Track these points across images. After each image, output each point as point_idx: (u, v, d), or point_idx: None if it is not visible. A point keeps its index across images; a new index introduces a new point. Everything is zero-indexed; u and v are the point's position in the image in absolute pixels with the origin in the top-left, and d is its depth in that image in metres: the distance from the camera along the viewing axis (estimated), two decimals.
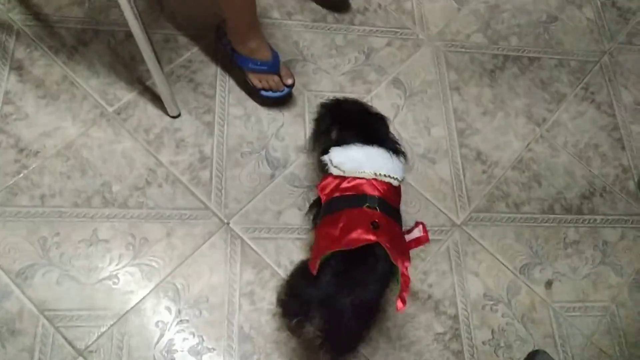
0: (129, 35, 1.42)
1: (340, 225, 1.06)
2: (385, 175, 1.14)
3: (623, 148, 1.61)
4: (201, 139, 1.44)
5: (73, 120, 1.41)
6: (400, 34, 1.68)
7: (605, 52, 1.76)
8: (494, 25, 1.75)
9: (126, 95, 1.46)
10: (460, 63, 1.67)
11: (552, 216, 1.49)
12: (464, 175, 1.51)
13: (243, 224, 1.36)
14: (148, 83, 1.48)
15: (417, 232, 1.16)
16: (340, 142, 1.19)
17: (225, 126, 1.47)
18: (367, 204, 1.09)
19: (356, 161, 1.15)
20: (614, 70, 1.73)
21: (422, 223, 1.17)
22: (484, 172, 1.52)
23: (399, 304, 1.00)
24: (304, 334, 1.23)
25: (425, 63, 1.64)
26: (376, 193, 1.11)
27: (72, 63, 1.48)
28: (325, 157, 1.17)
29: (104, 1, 1.58)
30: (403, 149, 1.22)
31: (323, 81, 1.56)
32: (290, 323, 1.21)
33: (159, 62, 1.29)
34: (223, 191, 1.39)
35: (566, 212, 1.50)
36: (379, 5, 1.72)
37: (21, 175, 1.34)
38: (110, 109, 1.44)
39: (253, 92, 1.49)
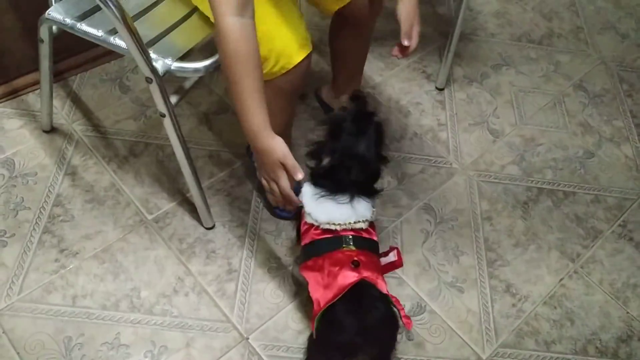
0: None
1: (326, 272, 1.16)
2: (355, 222, 1.19)
3: None
4: (231, 251, 1.49)
5: (114, 225, 1.49)
6: (435, 162, 1.73)
7: None
8: (529, 158, 1.78)
9: (166, 205, 1.54)
10: (493, 193, 1.68)
11: (586, 358, 1.42)
12: (492, 308, 1.47)
13: (262, 341, 1.36)
14: (188, 195, 1.56)
15: (392, 257, 1.26)
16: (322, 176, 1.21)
17: (256, 241, 1.51)
18: (344, 245, 1.17)
19: (327, 213, 1.19)
20: None
21: (396, 248, 1.26)
22: (513, 305, 1.48)
23: (407, 323, 1.15)
24: None
25: (458, 191, 1.67)
26: (349, 232, 1.19)
27: (121, 172, 1.59)
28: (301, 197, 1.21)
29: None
30: (377, 187, 1.24)
31: None
32: None
33: (197, 177, 1.38)
34: (246, 305, 1.41)
35: (601, 355, 1.43)
36: (415, 134, 1.79)
37: (58, 274, 1.40)
38: (150, 217, 1.52)
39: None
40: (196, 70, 1.16)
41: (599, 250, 1.60)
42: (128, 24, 1.02)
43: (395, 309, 1.16)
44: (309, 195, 1.21)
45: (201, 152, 1.66)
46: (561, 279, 1.54)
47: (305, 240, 1.26)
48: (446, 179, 1.70)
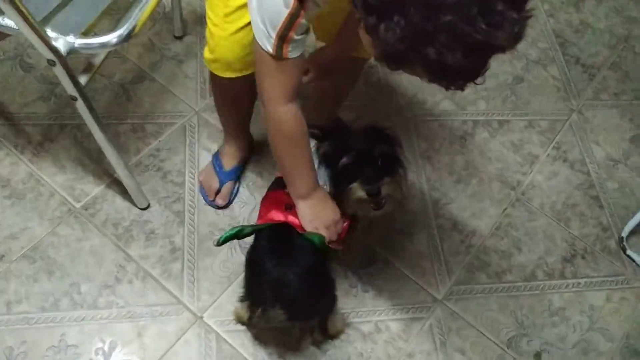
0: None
1: (266, 204, 1.19)
2: None
3: (601, 206, 1.60)
4: (172, 229, 1.41)
5: (40, 219, 1.38)
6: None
7: (574, 110, 1.77)
8: (460, 92, 1.75)
9: (94, 189, 1.44)
10: (429, 131, 1.66)
11: (535, 283, 1.46)
12: (442, 247, 1.48)
13: (217, 317, 1.32)
14: (116, 175, 1.46)
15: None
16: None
17: (196, 214, 1.44)
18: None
19: None
20: (584, 128, 1.74)
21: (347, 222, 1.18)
22: (462, 242, 1.50)
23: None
24: (272, 319, 1.13)
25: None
26: None
27: (37, 160, 1.46)
28: None
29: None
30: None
31: None
32: (257, 314, 1.14)
33: (122, 158, 1.28)
34: (195, 283, 1.35)
35: (549, 278, 1.47)
36: None
37: None
38: (78, 205, 1.42)
39: None
40: (103, 44, 1.04)
41: (537, 175, 1.63)
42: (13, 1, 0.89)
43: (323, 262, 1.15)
44: None
45: (123, 128, 1.54)
46: (505, 209, 1.56)
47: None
48: None
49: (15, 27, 1.01)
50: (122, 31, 1.06)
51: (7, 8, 0.92)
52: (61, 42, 1.01)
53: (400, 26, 0.72)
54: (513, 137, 1.69)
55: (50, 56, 1.00)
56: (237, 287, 1.35)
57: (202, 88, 1.64)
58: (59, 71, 1.03)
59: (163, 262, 1.37)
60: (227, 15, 1.06)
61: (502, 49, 0.75)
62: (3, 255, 1.33)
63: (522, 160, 1.65)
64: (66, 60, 1.03)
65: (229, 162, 1.45)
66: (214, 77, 1.20)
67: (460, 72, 0.76)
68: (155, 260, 1.37)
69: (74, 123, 1.53)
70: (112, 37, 1.05)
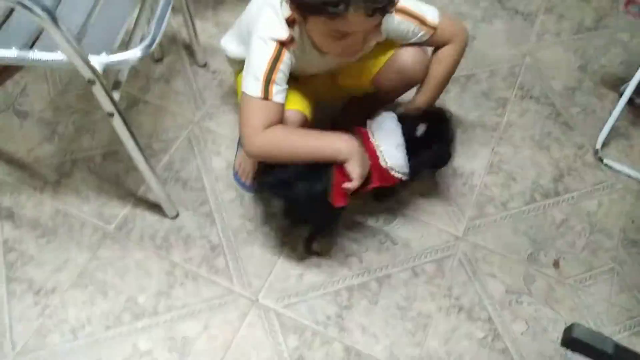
0: (106, 155, 1.55)
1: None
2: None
3: (571, 129, 1.79)
4: (205, 229, 1.49)
5: (78, 248, 1.43)
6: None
7: (526, 55, 1.96)
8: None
9: (121, 210, 1.50)
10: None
11: (536, 204, 1.63)
12: (449, 191, 1.62)
13: (271, 296, 1.41)
14: (139, 194, 1.53)
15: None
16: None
17: (224, 212, 1.53)
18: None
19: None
20: (538, 67, 1.93)
21: None
22: (464, 184, 1.65)
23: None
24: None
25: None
26: None
27: (60, 196, 1.51)
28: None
29: (73, 132, 1.63)
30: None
31: None
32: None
33: (152, 169, 1.35)
34: (242, 271, 1.44)
35: (546, 197, 1.64)
36: None
37: (44, 315, 1.34)
38: (111, 227, 1.47)
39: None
40: (133, 59, 1.13)
41: (512, 115, 1.81)
42: (59, 25, 0.97)
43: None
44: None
45: (126, 153, 1.61)
46: (493, 148, 1.73)
47: None
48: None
49: (45, 58, 1.09)
50: (146, 43, 1.14)
51: (55, 32, 0.99)
52: (97, 61, 1.09)
53: None
54: (482, 87, 1.86)
55: (90, 75, 1.07)
56: (280, 267, 1.45)
57: (195, 99, 1.73)
58: (97, 89, 1.11)
59: (207, 260, 1.44)
60: None
61: None
62: (55, 288, 1.37)
63: (495, 104, 1.83)
64: (102, 78, 1.11)
65: None
66: None
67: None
68: (199, 260, 1.44)
69: (84, 156, 1.59)
70: (137, 50, 1.14)
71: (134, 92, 1.73)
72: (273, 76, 1.16)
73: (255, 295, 1.41)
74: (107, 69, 1.12)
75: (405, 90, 1.50)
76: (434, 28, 1.31)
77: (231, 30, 1.42)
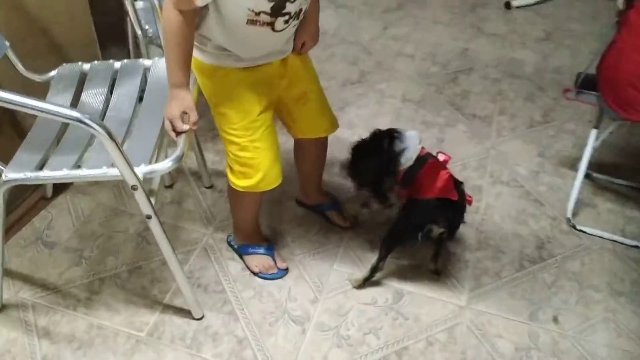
0: (131, 271, 1.73)
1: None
2: None
3: (542, 204, 2.02)
4: (230, 325, 1.60)
5: (114, 356, 1.52)
6: None
7: (488, 156, 2.24)
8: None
9: (151, 317, 1.61)
10: None
11: (525, 271, 1.79)
12: (447, 268, 1.79)
13: None
14: (165, 301, 1.65)
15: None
16: None
17: (245, 309, 1.65)
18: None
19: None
20: (504, 157, 2.20)
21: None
22: (458, 261, 1.81)
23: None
24: None
25: None
26: None
27: (91, 311, 1.62)
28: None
29: (98, 254, 1.78)
30: None
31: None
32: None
33: (183, 272, 1.50)
34: (270, 359, 1.53)
35: (533, 264, 1.81)
36: None
37: None
38: (143, 334, 1.57)
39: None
40: (166, 168, 1.33)
41: (488, 198, 2.03)
42: (115, 141, 1.18)
43: None
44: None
45: (154, 264, 1.75)
46: (477, 228, 1.92)
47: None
48: None
49: (91, 174, 1.29)
50: (175, 155, 1.36)
51: (112, 149, 1.20)
52: (139, 170, 1.29)
53: None
54: (458, 177, 2.09)
55: (134, 182, 1.26)
56: (304, 353, 1.55)
57: (206, 216, 1.92)
58: (139, 194, 1.29)
59: (236, 354, 1.54)
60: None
61: None
62: None
63: (472, 192, 2.05)
64: (142, 185, 1.30)
65: (259, 240, 1.77)
66: (234, 193, 1.57)
67: None
68: (228, 354, 1.53)
69: (111, 274, 1.72)
70: (169, 162, 1.35)
71: None
72: None
73: None
74: (147, 175, 1.31)
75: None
76: None
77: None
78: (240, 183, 1.50)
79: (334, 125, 1.70)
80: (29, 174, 1.30)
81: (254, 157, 1.46)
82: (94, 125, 1.13)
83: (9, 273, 1.71)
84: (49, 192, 1.94)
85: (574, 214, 1.97)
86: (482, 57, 2.79)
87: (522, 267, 1.81)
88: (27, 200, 1.91)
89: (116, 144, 1.18)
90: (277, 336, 1.59)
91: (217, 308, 1.65)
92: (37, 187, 1.93)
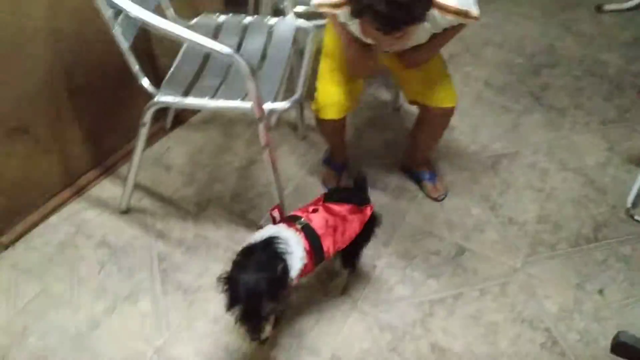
0: (233, 197, 2.06)
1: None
2: None
3: (604, 193, 2.15)
4: None
5: (215, 261, 1.81)
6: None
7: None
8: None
9: (245, 235, 1.87)
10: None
11: (579, 247, 1.96)
12: (507, 235, 1.99)
13: (368, 303, 1.74)
14: (260, 223, 1.93)
15: None
16: None
17: None
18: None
19: None
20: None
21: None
22: (519, 230, 2.00)
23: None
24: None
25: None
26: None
27: (199, 224, 1.94)
28: None
29: (207, 180, 2.09)
30: None
31: None
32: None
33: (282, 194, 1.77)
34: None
35: (588, 243, 1.98)
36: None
37: (191, 307, 1.69)
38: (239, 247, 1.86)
39: None
40: (286, 107, 1.60)
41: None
42: (255, 77, 1.45)
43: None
44: None
45: (247, 196, 2.04)
46: (540, 205, 2.11)
47: None
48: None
49: (228, 105, 1.57)
50: (294, 98, 1.63)
51: (251, 83, 1.47)
52: (265, 106, 1.56)
53: None
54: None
55: (261, 114, 1.54)
56: (375, 279, 1.79)
57: (300, 159, 2.19)
58: (261, 127, 1.57)
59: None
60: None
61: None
62: (199, 287, 1.74)
63: (540, 174, 2.22)
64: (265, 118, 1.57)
65: (337, 161, 2.08)
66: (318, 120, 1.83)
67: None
68: None
69: (216, 196, 2.03)
70: (287, 102, 1.62)
71: (253, 155, 2.20)
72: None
73: (355, 302, 1.75)
74: (270, 112, 1.59)
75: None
76: (477, 18, 1.52)
77: None
78: (312, 106, 1.81)
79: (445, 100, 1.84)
80: (177, 99, 1.60)
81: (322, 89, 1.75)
82: (242, 61, 1.41)
83: (135, 184, 2.04)
84: (169, 123, 2.26)
85: (634, 205, 2.11)
86: (567, 54, 2.92)
87: (577, 244, 1.98)
88: (150, 129, 2.23)
89: (255, 79, 1.45)
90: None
91: None
92: (159, 118, 2.25)
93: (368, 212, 1.59)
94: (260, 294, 1.31)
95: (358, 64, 1.66)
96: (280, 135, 2.30)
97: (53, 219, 1.92)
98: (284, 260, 1.37)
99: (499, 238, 1.99)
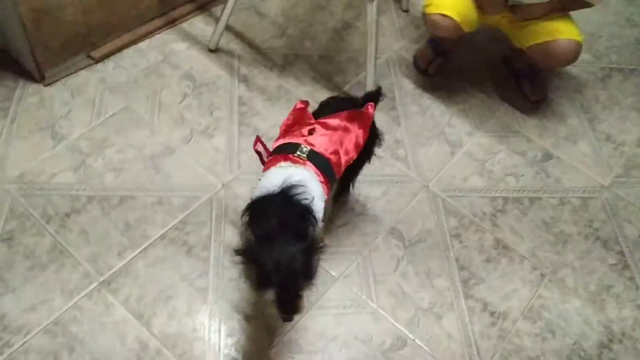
0: (321, 57, 1.99)
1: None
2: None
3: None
4: (392, 128, 1.80)
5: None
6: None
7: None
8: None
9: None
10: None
11: None
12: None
13: (439, 187, 1.69)
14: (345, 89, 1.87)
15: None
16: None
17: (408, 118, 1.84)
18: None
19: None
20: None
21: None
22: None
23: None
24: None
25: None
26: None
27: (283, 77, 1.89)
28: None
29: (298, 35, 2.02)
30: None
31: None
32: None
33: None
34: (418, 162, 1.73)
35: None
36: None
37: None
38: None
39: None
40: None
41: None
42: None
43: None
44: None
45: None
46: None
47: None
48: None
49: None
50: None
51: None
52: None
53: None
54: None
55: None
56: (450, 166, 1.73)
57: (396, 34, 2.08)
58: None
59: (391, 150, 1.75)
60: None
61: None
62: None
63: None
64: None
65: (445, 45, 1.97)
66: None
67: None
68: (384, 149, 1.71)
69: (304, 53, 1.96)
70: None
71: (349, 19, 2.10)
72: None
73: (427, 182, 1.70)
74: None
75: (547, 69, 1.92)
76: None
77: None
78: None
79: None
80: None
81: None
82: None
83: (227, 26, 1.99)
84: None
85: None
86: None
87: None
88: None
89: None
90: (428, 148, 1.78)
91: (384, 111, 1.84)
92: None
93: (370, 110, 1.36)
94: (296, 273, 1.08)
95: None
96: (379, 6, 2.17)
97: (143, 44, 1.92)
98: (310, 214, 1.15)
99: (591, 152, 1.86)
